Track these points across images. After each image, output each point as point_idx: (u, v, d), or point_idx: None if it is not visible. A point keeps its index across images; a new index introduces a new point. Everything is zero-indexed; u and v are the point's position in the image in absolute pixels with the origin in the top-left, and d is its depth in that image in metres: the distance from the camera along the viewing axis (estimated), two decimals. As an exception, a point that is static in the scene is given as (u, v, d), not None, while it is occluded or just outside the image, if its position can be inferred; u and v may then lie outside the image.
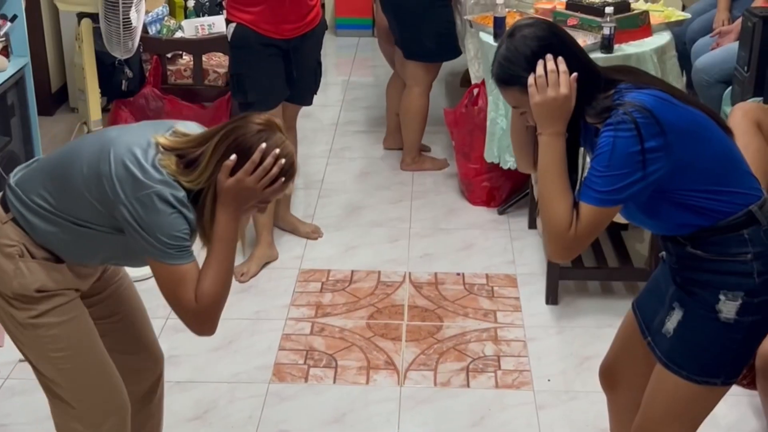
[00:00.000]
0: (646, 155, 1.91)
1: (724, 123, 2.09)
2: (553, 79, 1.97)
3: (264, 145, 1.99)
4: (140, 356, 2.41)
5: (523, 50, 1.99)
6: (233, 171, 1.99)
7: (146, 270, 3.71)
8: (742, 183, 2.04)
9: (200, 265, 2.04)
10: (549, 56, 1.98)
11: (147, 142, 2.02)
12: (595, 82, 2.01)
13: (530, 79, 1.98)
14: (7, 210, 2.12)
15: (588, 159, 2.11)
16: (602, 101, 2.00)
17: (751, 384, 2.57)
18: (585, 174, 2.02)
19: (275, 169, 1.99)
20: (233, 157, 1.98)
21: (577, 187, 2.03)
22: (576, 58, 2.01)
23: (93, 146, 2.07)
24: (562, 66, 1.97)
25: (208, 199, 2.02)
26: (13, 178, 2.17)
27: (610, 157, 1.92)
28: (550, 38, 2.00)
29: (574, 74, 1.97)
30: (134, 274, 3.57)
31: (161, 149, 2.01)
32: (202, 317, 2.04)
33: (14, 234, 2.10)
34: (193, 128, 2.14)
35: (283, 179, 2.02)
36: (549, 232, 2.00)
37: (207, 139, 2.03)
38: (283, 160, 2.00)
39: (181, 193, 1.99)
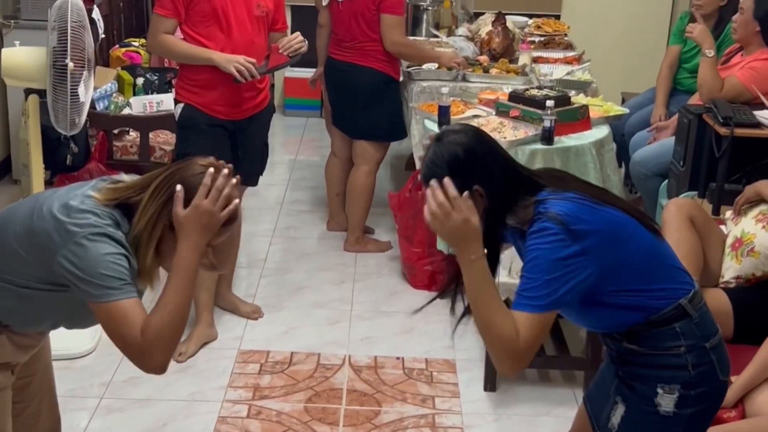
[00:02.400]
0: (571, 259, 1.96)
1: (650, 221, 2.16)
2: (445, 209, 1.97)
3: (212, 169, 2.01)
4: None
5: (449, 155, 2.05)
6: (186, 202, 1.99)
7: (80, 348, 3.67)
8: (670, 278, 2.10)
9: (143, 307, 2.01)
10: (433, 184, 1.99)
11: (82, 194, 2.02)
12: (518, 187, 2.07)
13: (426, 215, 2.01)
14: None
15: (513, 258, 2.16)
16: (524, 206, 2.05)
17: None
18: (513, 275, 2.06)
19: (227, 190, 2.01)
20: (179, 187, 1.99)
21: (497, 266, 2.07)
22: (499, 164, 2.07)
23: (26, 206, 2.07)
24: (451, 191, 1.98)
25: (144, 240, 2.00)
26: None
27: (539, 264, 1.97)
28: (475, 144, 2.06)
29: (465, 193, 1.98)
30: (67, 352, 3.55)
31: (97, 202, 2.01)
32: (146, 351, 1.97)
33: None
34: (126, 178, 2.14)
35: (235, 203, 2.02)
36: (498, 351, 1.98)
37: (147, 183, 2.04)
38: (233, 181, 2.02)
39: (119, 234, 1.98)
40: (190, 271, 2.01)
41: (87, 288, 1.95)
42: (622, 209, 2.10)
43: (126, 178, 2.14)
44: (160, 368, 2.01)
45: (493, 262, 2.09)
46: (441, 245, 4.21)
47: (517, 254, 2.20)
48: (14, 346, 2.13)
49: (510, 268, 3.26)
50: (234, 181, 2.04)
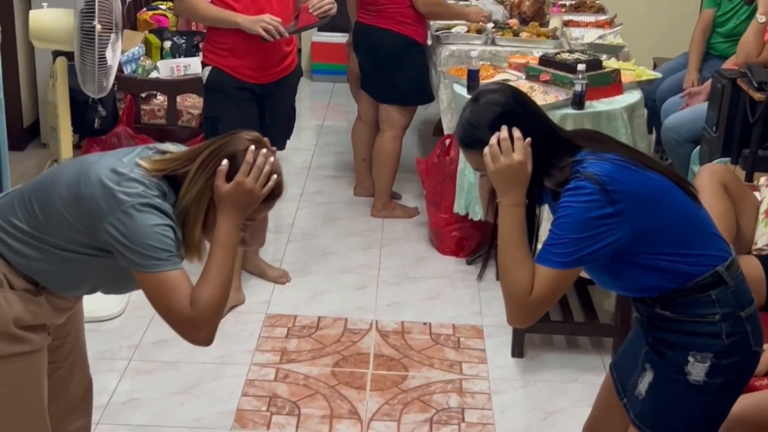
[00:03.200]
0: (604, 220, 1.93)
1: (689, 186, 2.12)
2: (506, 146, 1.99)
3: (253, 146, 2.02)
4: (73, 413, 2.36)
5: (486, 115, 2.03)
6: (228, 177, 1.99)
7: (109, 311, 3.70)
8: (707, 245, 2.06)
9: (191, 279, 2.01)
10: (503, 127, 2.01)
11: (130, 162, 2.02)
12: (555, 148, 2.04)
13: (486, 149, 2.01)
14: None
15: (542, 215, 2.14)
16: (562, 167, 2.03)
17: None
18: (542, 233, 2.04)
19: (267, 167, 2.01)
20: (225, 162, 2.00)
21: (533, 248, 2.05)
22: (537, 124, 2.04)
23: (72, 169, 2.06)
24: (516, 133, 2.00)
25: (192, 212, 2.01)
26: None
27: (569, 222, 1.95)
28: (513, 104, 2.04)
29: (528, 139, 2.00)
30: (96, 315, 3.57)
31: (145, 172, 2.01)
32: (197, 324, 1.97)
33: None
34: (172, 148, 2.14)
35: (274, 175, 2.02)
36: (509, 298, 2.01)
37: (194, 156, 2.03)
38: (272, 158, 2.02)
39: (166, 205, 1.98)
40: (231, 246, 2.02)
41: (133, 257, 1.95)
42: (662, 173, 2.06)
43: (173, 148, 2.13)
44: (208, 341, 2.01)
45: (530, 222, 2.07)
46: (458, 207, 4.17)
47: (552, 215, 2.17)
48: (52, 308, 2.14)
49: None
50: (273, 158, 2.03)
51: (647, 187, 2.00)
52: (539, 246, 2.05)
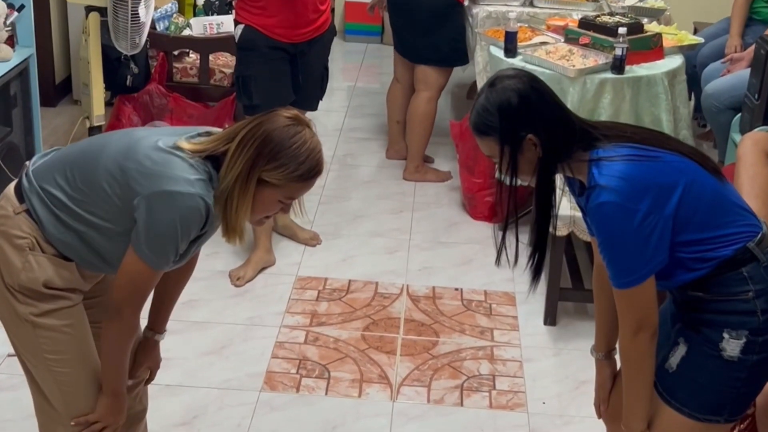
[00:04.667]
0: (643, 222, 1.90)
1: (711, 163, 2.07)
2: None
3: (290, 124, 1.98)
4: None
5: (501, 101, 1.97)
6: (266, 158, 1.97)
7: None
8: (735, 221, 2.01)
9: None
10: None
11: (174, 143, 2.00)
12: (572, 137, 1.99)
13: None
14: (21, 200, 2.07)
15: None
16: (578, 160, 1.99)
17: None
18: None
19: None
20: None
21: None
22: (552, 112, 2.00)
23: (119, 143, 2.04)
24: None
25: (234, 193, 1.98)
26: (31, 166, 2.12)
27: (614, 243, 1.93)
28: (530, 91, 1.99)
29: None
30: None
31: (189, 153, 1.99)
32: (119, 316, 2.06)
33: (26, 226, 2.05)
34: (215, 130, 2.12)
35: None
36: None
37: (233, 135, 2.00)
38: (314, 136, 2.00)
39: (209, 196, 1.96)
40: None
41: (142, 236, 1.95)
42: (682, 152, 2.01)
43: (215, 130, 2.11)
44: (121, 326, 2.09)
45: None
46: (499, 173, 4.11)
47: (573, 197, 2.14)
48: (80, 275, 2.13)
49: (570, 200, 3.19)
50: (314, 135, 2.01)
51: (667, 173, 1.96)
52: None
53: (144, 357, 2.37)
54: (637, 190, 1.91)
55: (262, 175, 1.97)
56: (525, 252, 2.13)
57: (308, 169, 2.00)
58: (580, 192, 2.05)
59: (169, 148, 1.98)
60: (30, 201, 2.06)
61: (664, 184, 1.93)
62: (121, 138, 2.07)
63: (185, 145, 2.00)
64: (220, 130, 2.13)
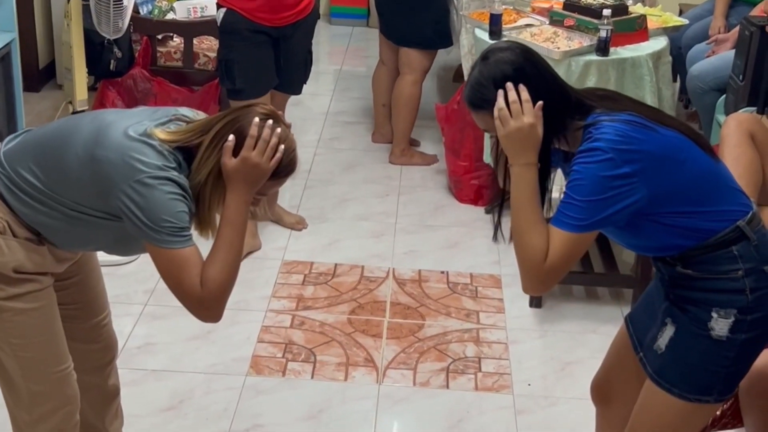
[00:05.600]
0: (620, 180, 1.88)
1: (705, 142, 2.06)
2: (516, 109, 1.93)
3: (257, 119, 1.95)
4: (94, 345, 2.35)
5: (495, 74, 1.96)
6: (235, 153, 1.94)
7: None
8: (727, 200, 2.01)
9: (202, 254, 1.98)
10: (509, 85, 1.94)
11: (148, 129, 1.97)
12: (567, 109, 1.98)
13: (495, 112, 1.95)
14: None
15: (554, 177, 2.08)
16: (573, 130, 1.97)
17: (732, 423, 2.53)
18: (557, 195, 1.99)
19: (274, 139, 1.95)
20: (231, 137, 1.94)
21: (544, 209, 2.00)
22: (548, 84, 1.98)
23: (89, 127, 2.01)
24: (525, 94, 1.93)
25: (207, 187, 1.97)
26: (3, 148, 2.09)
27: (585, 184, 1.89)
28: (523, 63, 1.97)
29: (539, 102, 1.93)
30: (111, 259, 3.54)
31: (161, 142, 1.96)
32: (207, 304, 1.96)
33: None
34: (189, 114, 2.09)
35: (282, 146, 1.96)
36: (523, 265, 1.96)
37: (207, 128, 1.98)
38: (279, 129, 1.96)
39: (183, 178, 1.94)
40: (240, 223, 1.98)
41: (148, 231, 1.92)
42: (678, 129, 2.00)
43: (189, 113, 2.09)
44: (216, 319, 2.01)
45: (542, 187, 2.00)
46: (487, 158, 4.12)
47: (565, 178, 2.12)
48: (54, 258, 2.12)
49: (561, 188, 3.19)
50: (279, 129, 1.97)
51: (663, 145, 1.94)
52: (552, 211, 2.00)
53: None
54: (632, 150, 1.89)
55: None
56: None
57: (281, 167, 1.99)
58: (567, 158, 2.02)
59: (139, 135, 1.95)
60: (2, 184, 2.04)
61: (657, 156, 1.92)
62: (92, 122, 2.04)
63: (158, 133, 1.97)
64: (193, 112, 2.11)
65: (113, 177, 1.92)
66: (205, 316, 2.01)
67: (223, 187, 1.98)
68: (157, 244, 1.93)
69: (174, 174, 1.93)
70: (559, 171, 2.12)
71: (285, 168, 2.00)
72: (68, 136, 2.02)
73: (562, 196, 1.95)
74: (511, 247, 2.02)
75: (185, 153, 1.98)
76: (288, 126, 2.03)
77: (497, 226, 2.17)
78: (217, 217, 2.03)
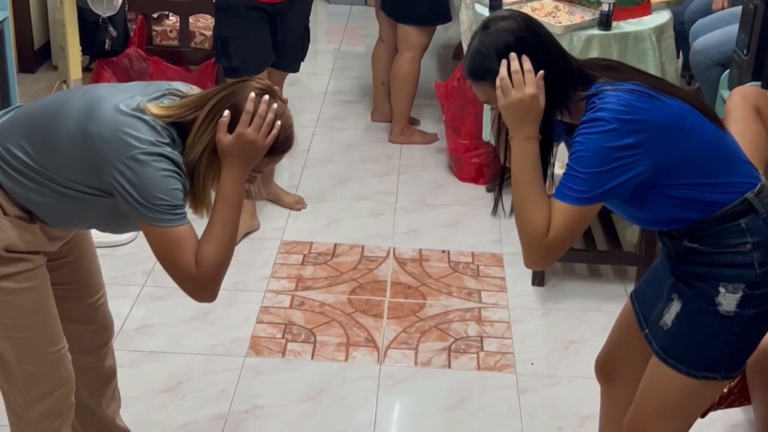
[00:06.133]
0: (624, 152, 1.83)
1: (712, 112, 2.01)
2: (518, 79, 1.88)
3: (252, 94, 1.90)
4: (89, 326, 2.30)
5: (497, 44, 1.91)
6: (230, 128, 1.89)
7: (121, 237, 3.63)
8: (735, 172, 1.96)
9: (197, 232, 1.93)
10: (513, 55, 1.89)
11: (141, 103, 1.91)
12: (569, 79, 1.93)
13: (497, 82, 1.90)
14: None
15: (557, 151, 2.04)
16: (576, 100, 1.92)
17: (740, 400, 2.49)
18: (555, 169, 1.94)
19: (270, 115, 1.90)
20: (226, 113, 1.89)
21: (547, 184, 1.95)
22: (550, 54, 1.93)
23: (80, 102, 1.95)
24: (527, 65, 1.88)
25: (202, 164, 1.92)
26: None
27: (588, 155, 1.84)
28: (525, 32, 1.92)
29: (540, 72, 1.88)
30: (108, 240, 3.51)
31: (154, 117, 1.90)
32: (202, 283, 1.91)
33: None
34: (183, 88, 2.03)
35: (278, 122, 1.91)
36: (524, 239, 1.91)
37: (202, 103, 1.93)
38: (275, 105, 1.92)
39: (176, 154, 1.89)
40: (236, 201, 1.93)
41: (140, 208, 1.87)
42: (683, 99, 1.95)
43: (184, 89, 2.03)
44: (211, 298, 1.96)
45: (544, 157, 1.96)
46: (487, 136, 4.07)
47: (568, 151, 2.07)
48: (46, 237, 2.07)
49: (563, 163, 3.14)
50: (276, 105, 1.92)
51: (668, 115, 1.89)
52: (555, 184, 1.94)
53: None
54: (636, 120, 1.84)
55: None
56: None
57: (278, 144, 1.94)
58: (569, 130, 1.97)
59: (132, 110, 1.89)
60: None
61: (662, 126, 1.87)
62: (82, 97, 1.98)
63: (151, 107, 1.91)
64: (187, 86, 2.06)
65: (105, 153, 1.87)
66: (200, 296, 1.96)
67: (218, 163, 1.93)
68: (150, 222, 1.88)
69: (167, 150, 1.88)
70: (562, 145, 2.08)
71: (282, 144, 1.95)
72: (59, 111, 1.97)
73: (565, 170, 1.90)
74: (513, 226, 1.97)
75: (179, 128, 1.93)
76: (285, 102, 1.98)
77: (497, 200, 2.12)
78: (213, 195, 1.98)
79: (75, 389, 2.19)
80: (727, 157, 1.97)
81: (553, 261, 1.96)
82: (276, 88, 1.99)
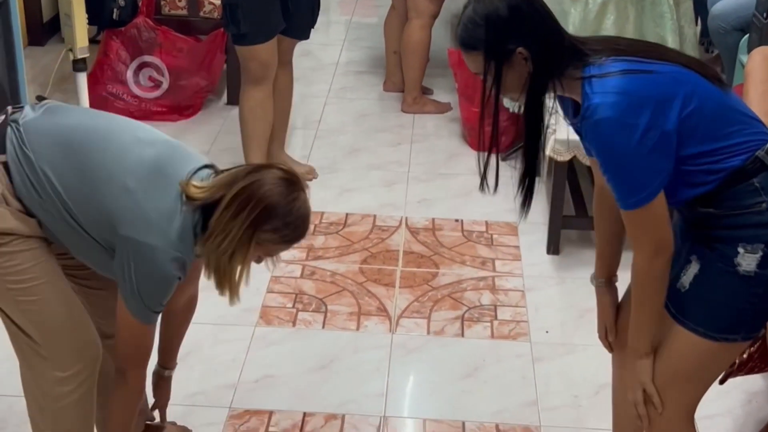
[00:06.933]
0: (646, 135, 1.78)
1: (712, 71, 1.94)
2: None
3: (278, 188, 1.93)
4: (103, 292, 2.25)
5: (490, 12, 1.84)
6: (258, 223, 1.92)
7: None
8: (742, 130, 1.90)
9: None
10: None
11: (177, 187, 1.93)
12: (562, 54, 1.87)
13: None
14: (3, 150, 1.96)
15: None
16: (570, 77, 1.86)
17: (760, 366, 2.43)
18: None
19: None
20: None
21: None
22: (544, 24, 1.87)
23: (136, 157, 1.96)
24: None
25: (237, 259, 1.96)
26: (22, 119, 1.99)
27: (617, 160, 1.81)
28: (519, 1, 1.85)
29: None
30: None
31: (187, 199, 1.93)
32: (125, 377, 2.09)
33: None
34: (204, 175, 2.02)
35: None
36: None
37: (230, 182, 1.93)
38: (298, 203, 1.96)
39: (190, 257, 1.96)
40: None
41: (130, 289, 1.94)
42: (679, 62, 1.89)
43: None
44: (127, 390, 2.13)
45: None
46: (507, 102, 3.98)
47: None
48: (44, 231, 2.06)
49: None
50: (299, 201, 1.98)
51: (664, 85, 1.84)
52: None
53: (158, 395, 2.43)
54: (634, 105, 1.79)
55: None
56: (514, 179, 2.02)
57: (297, 236, 1.99)
58: (575, 113, 1.93)
59: (169, 202, 1.93)
60: (16, 160, 1.95)
61: (662, 97, 1.82)
62: (138, 148, 1.98)
63: (191, 189, 1.93)
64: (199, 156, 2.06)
65: (123, 220, 1.91)
66: (121, 378, 2.09)
67: (251, 255, 1.98)
68: (129, 309, 1.97)
69: (183, 256, 1.93)
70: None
71: (300, 236, 2.00)
72: (104, 150, 1.96)
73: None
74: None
75: (204, 209, 1.94)
76: (305, 189, 1.99)
77: (483, 178, 2.05)
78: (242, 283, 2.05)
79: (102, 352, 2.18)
80: (732, 116, 1.91)
81: (667, 255, 1.90)
82: (299, 175, 2.00)
